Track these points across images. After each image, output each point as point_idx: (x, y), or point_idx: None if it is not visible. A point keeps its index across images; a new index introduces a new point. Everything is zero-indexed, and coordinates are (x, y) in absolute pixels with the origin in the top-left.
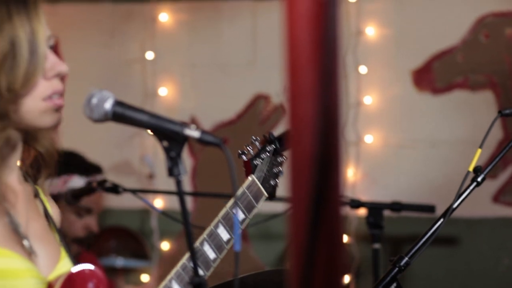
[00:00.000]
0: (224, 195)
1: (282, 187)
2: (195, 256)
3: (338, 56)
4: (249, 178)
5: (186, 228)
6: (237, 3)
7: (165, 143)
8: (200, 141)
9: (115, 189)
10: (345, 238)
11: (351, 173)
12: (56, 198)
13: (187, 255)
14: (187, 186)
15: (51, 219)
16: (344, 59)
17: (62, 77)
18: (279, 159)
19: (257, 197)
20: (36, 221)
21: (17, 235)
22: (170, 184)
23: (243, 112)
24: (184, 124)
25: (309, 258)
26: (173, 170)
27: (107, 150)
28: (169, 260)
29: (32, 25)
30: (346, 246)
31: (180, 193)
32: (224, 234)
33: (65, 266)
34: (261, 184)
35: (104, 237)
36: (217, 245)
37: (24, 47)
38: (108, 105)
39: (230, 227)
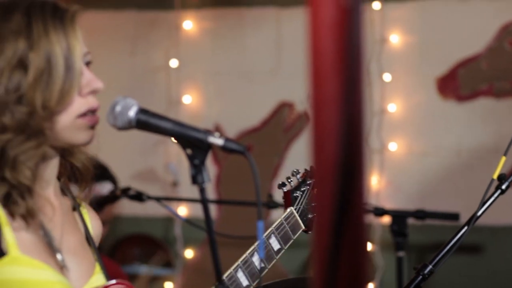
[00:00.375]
0: (248, 202)
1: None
2: (218, 263)
3: (362, 63)
4: (288, 209)
5: (210, 236)
6: (261, 11)
7: (189, 151)
8: (223, 148)
9: (139, 197)
10: (369, 246)
11: (375, 181)
12: None
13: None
14: (211, 193)
15: (88, 233)
16: (368, 66)
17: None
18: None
19: (295, 229)
20: (72, 235)
21: (51, 248)
22: (194, 192)
23: (267, 120)
24: (208, 132)
25: (332, 266)
26: (196, 177)
27: (131, 158)
28: (193, 268)
29: (68, 41)
30: (370, 254)
31: (203, 201)
32: (257, 263)
33: (97, 281)
34: (299, 216)
35: (128, 245)
36: (251, 272)
37: (60, 64)
38: (132, 112)
39: (266, 258)
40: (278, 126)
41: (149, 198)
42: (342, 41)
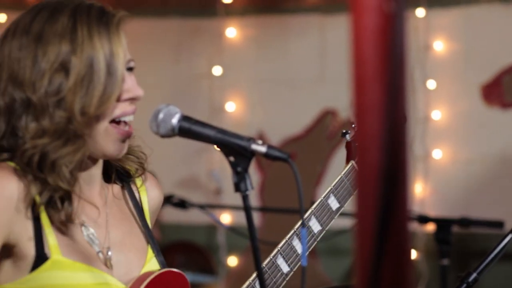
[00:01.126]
0: (291, 210)
1: (350, 202)
2: (261, 271)
3: (405, 70)
4: (349, 164)
5: (253, 244)
6: (305, 18)
7: (232, 158)
8: (266, 156)
9: (182, 204)
10: (413, 254)
11: (419, 189)
12: None
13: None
14: (255, 201)
15: (141, 214)
16: (412, 73)
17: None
18: None
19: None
20: (118, 227)
21: (94, 249)
22: (238, 199)
23: (311, 127)
24: (251, 139)
25: (375, 274)
26: (239, 185)
27: (174, 165)
28: (237, 276)
29: (112, 46)
30: (414, 262)
31: (246, 209)
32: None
33: (151, 267)
34: None
35: (171, 252)
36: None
37: (102, 70)
38: (174, 120)
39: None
40: (321, 134)
41: (193, 205)
42: (385, 48)
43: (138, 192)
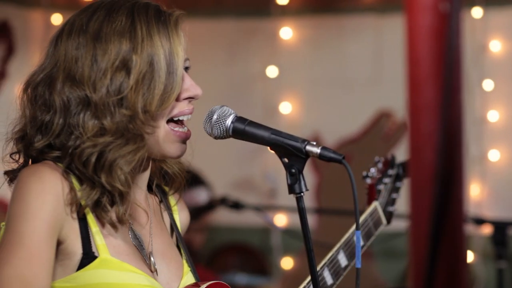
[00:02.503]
0: (345, 211)
1: (404, 203)
2: (315, 273)
3: (461, 70)
4: (373, 204)
5: (307, 246)
6: (361, 19)
7: (286, 160)
8: (320, 157)
9: (237, 205)
10: (470, 257)
11: (476, 190)
12: None
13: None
14: (311, 202)
15: (177, 232)
16: (468, 74)
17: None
18: (398, 184)
19: (377, 225)
20: (159, 236)
21: (141, 252)
22: (294, 200)
23: (367, 129)
24: (305, 140)
25: (430, 276)
26: (293, 187)
27: (228, 167)
28: (292, 278)
29: (171, 45)
30: (470, 265)
31: (300, 210)
32: (343, 261)
33: (188, 281)
34: (382, 211)
35: (225, 254)
36: (336, 271)
37: (163, 68)
38: (228, 121)
39: (349, 254)
40: (377, 135)
41: (248, 207)
42: (440, 48)
43: (171, 210)
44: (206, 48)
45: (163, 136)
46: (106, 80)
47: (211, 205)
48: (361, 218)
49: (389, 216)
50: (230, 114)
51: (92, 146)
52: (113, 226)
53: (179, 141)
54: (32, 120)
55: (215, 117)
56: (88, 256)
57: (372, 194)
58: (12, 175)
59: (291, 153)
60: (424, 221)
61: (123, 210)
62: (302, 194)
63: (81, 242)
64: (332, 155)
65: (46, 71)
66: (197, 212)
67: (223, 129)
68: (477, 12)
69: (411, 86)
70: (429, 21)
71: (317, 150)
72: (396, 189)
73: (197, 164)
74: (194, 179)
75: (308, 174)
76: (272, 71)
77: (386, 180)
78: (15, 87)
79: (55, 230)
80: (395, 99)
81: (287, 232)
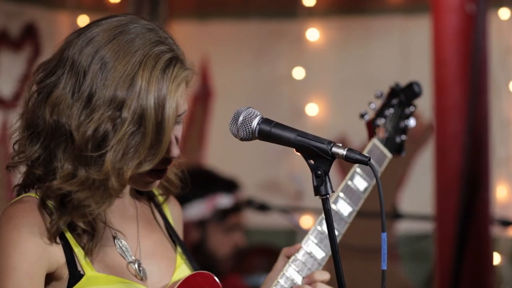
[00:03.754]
0: (372, 213)
1: (430, 205)
2: (341, 275)
3: (487, 71)
4: (371, 142)
5: (332, 248)
6: (387, 20)
7: (312, 161)
8: (346, 159)
9: (263, 207)
10: (496, 259)
11: (503, 192)
12: (202, 220)
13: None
14: None
15: (169, 225)
16: (494, 75)
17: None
18: (407, 110)
19: (380, 160)
20: (148, 237)
21: (127, 259)
22: (320, 202)
23: None
24: (331, 142)
25: (456, 278)
26: (319, 188)
27: (254, 168)
28: None
29: (167, 111)
30: (496, 267)
31: (326, 212)
32: (344, 208)
33: (180, 274)
34: (385, 144)
35: (250, 256)
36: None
37: (150, 134)
38: (254, 123)
39: (354, 200)
40: None
41: (274, 209)
42: (466, 49)
43: (159, 201)
44: (232, 50)
45: (138, 180)
46: (93, 126)
47: (237, 207)
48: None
49: (399, 146)
50: (256, 116)
51: (57, 189)
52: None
53: (152, 182)
54: (28, 123)
55: (241, 118)
56: (74, 276)
57: (370, 131)
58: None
59: (317, 154)
60: (450, 223)
61: (92, 243)
62: (328, 195)
63: (66, 264)
64: (358, 156)
65: (50, 74)
66: (224, 214)
67: (249, 131)
68: (504, 13)
69: (438, 88)
70: (456, 22)
71: (343, 151)
72: (406, 115)
73: (223, 166)
74: (214, 183)
75: (334, 175)
76: (298, 73)
77: (388, 111)
78: None
79: (41, 273)
80: (421, 100)
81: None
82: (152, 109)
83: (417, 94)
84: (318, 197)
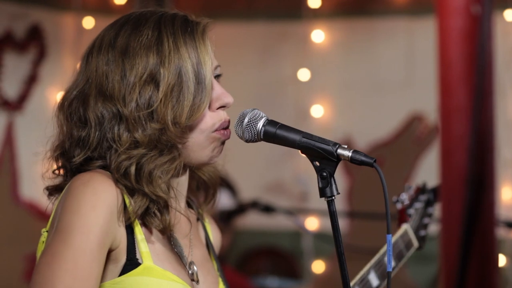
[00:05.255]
0: (377, 215)
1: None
2: (346, 277)
3: (492, 73)
4: (403, 226)
5: (338, 249)
6: (393, 22)
7: (317, 163)
8: (352, 160)
9: (268, 209)
10: (501, 260)
11: (508, 194)
12: None
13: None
14: (343, 205)
15: (211, 246)
16: (499, 77)
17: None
18: (429, 210)
19: (408, 247)
20: (197, 248)
21: (182, 261)
22: (325, 204)
23: (399, 132)
24: (336, 144)
25: (461, 280)
26: (324, 190)
27: (259, 170)
28: (324, 281)
29: (199, 55)
30: (501, 268)
31: (331, 214)
32: (374, 281)
33: None
34: (414, 233)
35: (256, 257)
36: None
37: (191, 79)
38: (260, 125)
39: (381, 274)
40: (409, 138)
41: (279, 211)
42: (472, 51)
43: (204, 224)
44: (238, 51)
45: (204, 141)
46: (135, 94)
47: (241, 209)
48: (392, 240)
49: (421, 240)
50: (262, 118)
51: (127, 159)
52: (158, 234)
53: (221, 140)
54: (69, 137)
55: (246, 120)
56: (132, 263)
57: (402, 218)
58: (52, 189)
59: (322, 156)
60: (456, 225)
61: (168, 219)
62: (333, 197)
63: (126, 248)
64: (363, 158)
65: (79, 88)
66: (229, 216)
67: (254, 132)
68: (509, 14)
69: (443, 89)
70: (461, 23)
71: (348, 153)
72: (427, 215)
73: (227, 168)
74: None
75: (340, 177)
76: (304, 74)
77: (417, 205)
78: (47, 91)
79: (107, 244)
80: (427, 102)
81: (318, 235)
82: (186, 58)
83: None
84: (323, 199)
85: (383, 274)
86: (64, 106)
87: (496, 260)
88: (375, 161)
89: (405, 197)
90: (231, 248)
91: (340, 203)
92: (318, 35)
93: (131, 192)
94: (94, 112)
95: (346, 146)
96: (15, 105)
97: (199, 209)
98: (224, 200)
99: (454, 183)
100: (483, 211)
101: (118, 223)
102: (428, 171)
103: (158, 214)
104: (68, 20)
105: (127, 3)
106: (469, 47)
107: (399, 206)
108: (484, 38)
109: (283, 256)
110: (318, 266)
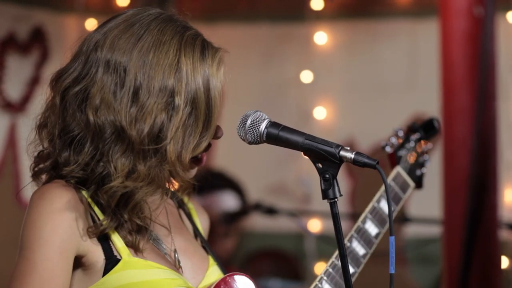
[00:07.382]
0: None
1: (438, 209)
2: (349, 279)
3: (495, 75)
4: (395, 169)
5: (340, 252)
6: (395, 24)
7: (320, 165)
8: (354, 162)
9: (270, 211)
10: (504, 262)
11: (511, 196)
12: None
13: (335, 254)
14: (345, 207)
15: (197, 229)
16: (502, 78)
17: None
18: (425, 147)
19: (404, 188)
20: (179, 234)
21: (161, 251)
22: (328, 206)
23: None
24: (339, 146)
25: (463, 282)
26: (327, 192)
27: (262, 172)
28: None
29: (214, 90)
30: (503, 270)
31: (334, 216)
32: (372, 229)
33: (213, 273)
34: (408, 173)
35: (259, 259)
36: (366, 240)
37: (202, 115)
38: (262, 126)
39: (378, 221)
40: None
41: (282, 212)
42: (474, 52)
43: (188, 209)
44: (240, 53)
45: (187, 169)
46: (149, 119)
47: (244, 211)
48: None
49: (419, 179)
50: (264, 119)
51: (122, 187)
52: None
53: (198, 168)
54: (61, 131)
55: (249, 122)
56: (111, 261)
57: (393, 161)
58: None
59: (325, 158)
60: (458, 227)
61: (140, 236)
62: (336, 199)
63: (101, 248)
64: (366, 160)
65: (81, 82)
66: (232, 217)
67: (256, 134)
68: None
69: (446, 91)
70: (464, 25)
71: (351, 155)
72: (424, 152)
73: (231, 169)
74: (223, 183)
75: (343, 179)
76: (306, 76)
77: (409, 145)
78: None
79: (71, 251)
80: (429, 104)
81: (321, 237)
82: (201, 91)
83: (436, 131)
84: (326, 200)
85: (381, 221)
86: (59, 86)
87: (498, 262)
88: (377, 163)
89: (394, 140)
90: (235, 250)
91: (342, 205)
92: (321, 37)
93: (102, 208)
94: (94, 117)
95: (348, 148)
96: (18, 107)
97: (177, 195)
98: (229, 202)
99: (457, 185)
100: (485, 213)
101: (83, 232)
102: (431, 173)
103: (129, 231)
104: (71, 22)
105: (130, 4)
106: (472, 49)
107: (388, 150)
108: (487, 40)
109: (285, 258)
110: (321, 268)
